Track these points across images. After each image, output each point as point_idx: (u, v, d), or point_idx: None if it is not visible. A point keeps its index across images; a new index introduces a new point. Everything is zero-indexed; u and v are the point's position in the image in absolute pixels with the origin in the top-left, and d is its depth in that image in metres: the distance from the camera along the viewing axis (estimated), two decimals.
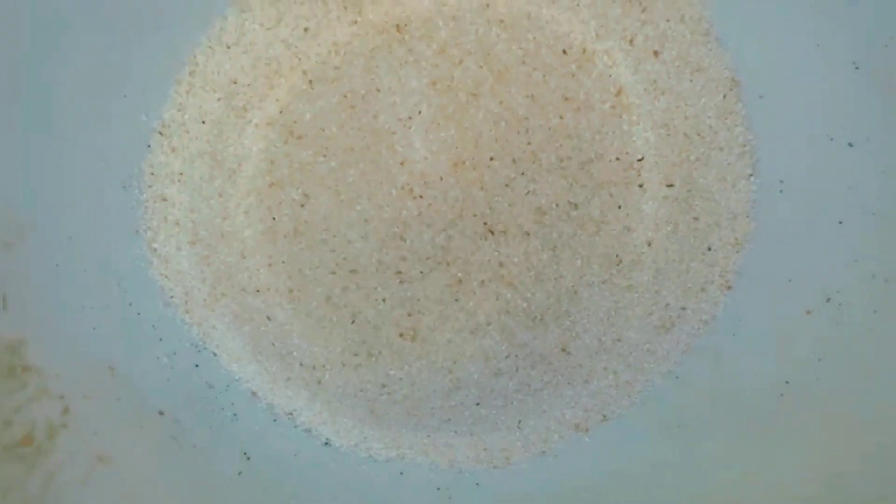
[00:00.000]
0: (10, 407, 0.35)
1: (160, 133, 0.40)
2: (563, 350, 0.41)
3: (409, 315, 0.41)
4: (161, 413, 0.40)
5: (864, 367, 0.38)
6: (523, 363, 0.41)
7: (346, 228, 0.40)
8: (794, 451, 0.39)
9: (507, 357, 0.41)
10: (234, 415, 0.42)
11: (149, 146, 0.40)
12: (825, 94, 0.38)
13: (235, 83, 0.40)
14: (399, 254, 0.40)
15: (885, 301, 0.37)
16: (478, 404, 0.42)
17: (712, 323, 0.42)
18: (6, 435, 0.35)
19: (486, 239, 0.40)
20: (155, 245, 0.41)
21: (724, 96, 0.40)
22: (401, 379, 0.41)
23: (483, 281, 0.41)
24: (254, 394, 0.42)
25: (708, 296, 0.41)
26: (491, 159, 0.40)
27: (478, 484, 0.42)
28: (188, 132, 0.40)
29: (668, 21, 0.39)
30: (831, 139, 0.38)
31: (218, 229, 0.41)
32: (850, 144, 0.37)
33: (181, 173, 0.40)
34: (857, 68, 0.36)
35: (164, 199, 0.40)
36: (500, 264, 0.41)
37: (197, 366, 0.42)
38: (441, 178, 0.40)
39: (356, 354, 0.41)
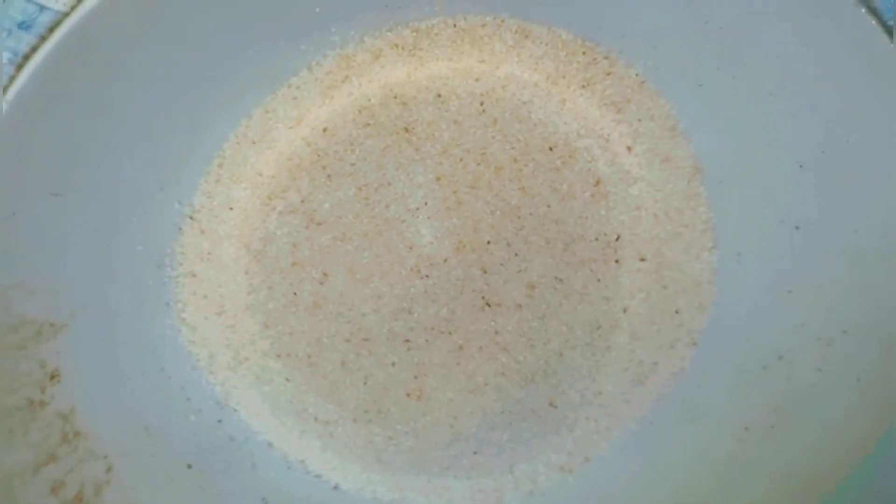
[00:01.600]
0: (65, 468, 0.37)
1: (191, 217, 0.42)
2: (551, 405, 0.44)
3: (416, 377, 0.44)
4: (189, 466, 0.42)
5: (811, 415, 0.40)
6: (516, 417, 0.44)
7: (360, 303, 0.43)
8: (753, 487, 0.41)
9: (501, 413, 0.44)
10: (253, 464, 0.44)
11: (180, 229, 0.43)
12: (775, 184, 0.40)
13: (261, 175, 0.43)
14: (407, 325, 0.43)
15: (826, 360, 0.40)
16: (475, 453, 0.44)
17: (681, 375, 0.44)
18: (61, 494, 0.37)
19: (483, 311, 0.44)
20: (184, 315, 0.43)
21: (689, 182, 0.43)
22: (407, 433, 0.44)
23: (481, 347, 0.44)
24: (270, 444, 0.45)
25: (676, 352, 0.44)
26: (488, 243, 0.43)
27: None
28: (216, 216, 0.43)
29: (639, 120, 0.43)
30: (781, 221, 0.41)
31: (243, 302, 0.44)
32: (797, 227, 0.40)
33: (209, 253, 0.43)
34: (801, 167, 0.39)
35: (194, 275, 0.43)
36: (496, 332, 0.44)
37: (220, 421, 0.44)
38: (445, 260, 0.43)
39: (367, 412, 0.44)
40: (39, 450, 0.37)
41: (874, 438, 0.39)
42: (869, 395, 0.39)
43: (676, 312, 0.44)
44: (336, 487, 0.45)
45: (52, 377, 0.38)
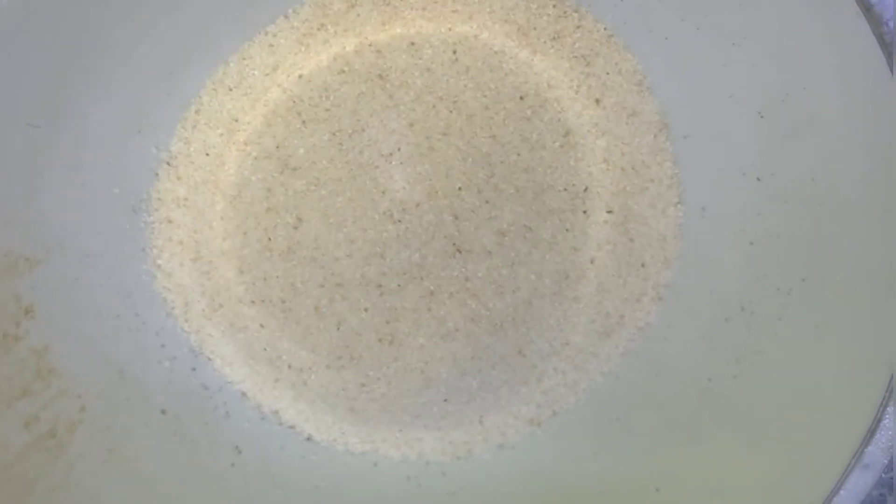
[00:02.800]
0: (38, 404, 0.38)
1: (168, 163, 0.43)
2: (520, 353, 0.45)
3: (388, 322, 0.45)
4: (163, 412, 0.43)
5: (771, 365, 0.41)
6: (486, 364, 0.45)
7: (333, 248, 0.44)
8: (715, 436, 0.42)
9: (472, 359, 0.45)
10: (227, 413, 0.45)
11: (157, 175, 0.43)
12: (738, 136, 0.41)
13: (236, 121, 0.43)
14: (380, 270, 0.44)
15: (786, 310, 0.41)
16: (445, 401, 0.45)
17: (646, 329, 0.45)
18: (34, 428, 0.37)
19: (454, 257, 0.45)
20: (160, 261, 0.44)
21: (655, 136, 0.44)
22: (378, 379, 0.45)
23: (452, 293, 0.45)
24: (244, 394, 0.45)
25: (642, 306, 0.45)
26: (459, 189, 0.44)
27: (443, 473, 0.45)
28: (193, 163, 0.43)
29: (607, 74, 0.44)
30: (743, 174, 0.42)
31: (218, 248, 0.44)
32: (758, 178, 0.41)
33: (185, 199, 0.44)
34: (761, 117, 0.40)
35: (170, 221, 0.44)
36: (467, 279, 0.45)
37: (194, 369, 0.45)
38: (417, 205, 0.44)
39: (340, 357, 0.45)
40: (13, 383, 0.37)
41: (831, 384, 0.40)
42: (826, 342, 0.40)
43: (642, 266, 0.45)
44: (309, 438, 0.46)
45: (26, 312, 0.38)
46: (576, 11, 0.43)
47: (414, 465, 0.46)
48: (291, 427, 0.46)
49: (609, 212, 0.45)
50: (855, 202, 0.38)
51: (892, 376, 0.36)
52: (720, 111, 0.42)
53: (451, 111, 0.44)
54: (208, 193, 0.44)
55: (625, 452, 0.44)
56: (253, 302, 0.45)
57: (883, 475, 0.37)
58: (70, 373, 0.40)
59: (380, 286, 0.45)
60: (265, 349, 0.45)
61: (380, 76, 0.44)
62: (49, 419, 0.38)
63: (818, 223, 0.40)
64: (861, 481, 0.36)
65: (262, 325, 0.45)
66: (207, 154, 0.44)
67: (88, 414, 0.40)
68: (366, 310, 0.45)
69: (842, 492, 0.37)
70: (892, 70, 0.33)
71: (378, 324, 0.45)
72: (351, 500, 0.45)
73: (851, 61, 0.36)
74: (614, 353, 0.46)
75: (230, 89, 0.43)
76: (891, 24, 0.32)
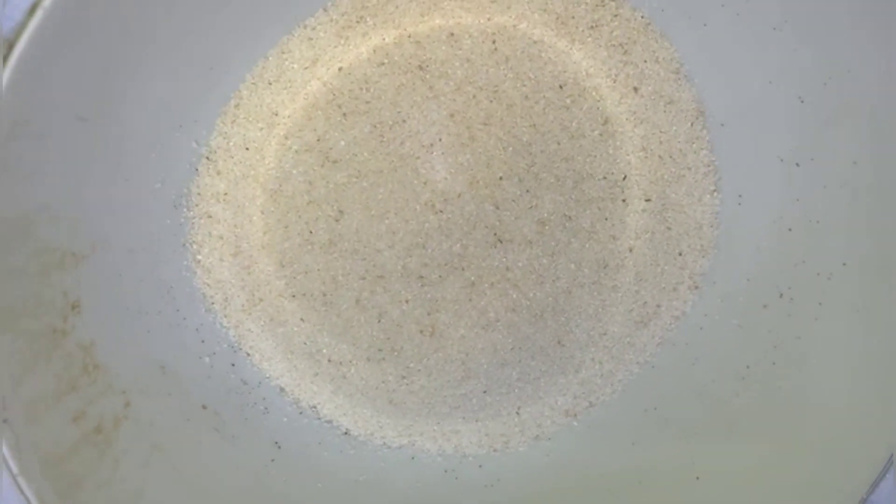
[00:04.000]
0: (86, 399, 0.38)
1: (207, 158, 0.43)
2: (559, 343, 0.46)
3: (429, 314, 0.45)
4: (204, 407, 0.43)
5: (811, 350, 0.41)
6: (525, 354, 0.46)
7: (375, 239, 0.44)
8: (753, 424, 0.42)
9: (512, 349, 0.45)
10: (266, 408, 0.45)
11: (196, 170, 0.43)
12: (776, 122, 0.42)
13: (276, 115, 0.44)
14: (421, 261, 0.45)
15: (826, 295, 0.41)
16: (485, 392, 0.46)
17: (682, 318, 0.45)
18: (82, 424, 0.38)
19: (495, 247, 0.45)
20: (199, 257, 0.44)
21: (692, 124, 0.44)
22: (419, 371, 0.45)
23: (493, 283, 0.45)
24: (282, 389, 0.46)
25: (679, 294, 0.45)
26: (500, 179, 0.45)
27: (480, 466, 0.46)
28: (232, 157, 0.44)
29: (645, 62, 0.44)
30: (781, 160, 0.42)
31: (258, 242, 0.45)
32: (797, 164, 0.41)
33: (225, 193, 0.44)
34: (801, 101, 0.40)
35: (210, 217, 0.44)
36: (507, 269, 0.45)
37: (233, 364, 0.45)
38: (458, 196, 0.44)
39: (380, 350, 0.45)
40: (61, 378, 0.38)
41: (873, 370, 0.40)
42: (867, 326, 0.41)
43: (680, 255, 0.46)
44: (347, 433, 0.46)
45: (73, 307, 0.38)
46: (613, 0, 0.43)
47: (451, 458, 0.46)
48: (329, 422, 0.46)
49: (647, 200, 0.45)
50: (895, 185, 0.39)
51: None
52: (759, 98, 0.42)
53: (491, 101, 0.44)
54: (248, 188, 0.44)
55: (662, 442, 0.44)
56: (293, 296, 0.45)
57: None
58: (114, 368, 0.40)
59: (421, 277, 0.45)
60: (305, 343, 0.45)
61: (420, 67, 0.44)
62: (95, 415, 0.39)
63: (858, 207, 0.41)
64: None
65: (302, 319, 0.45)
66: (247, 148, 0.44)
67: (132, 409, 0.40)
68: (407, 301, 0.45)
69: (885, 481, 0.37)
70: None
71: (419, 315, 0.45)
72: (389, 493, 0.45)
73: (894, 43, 0.36)
74: (651, 343, 0.46)
75: (270, 83, 0.43)
76: None
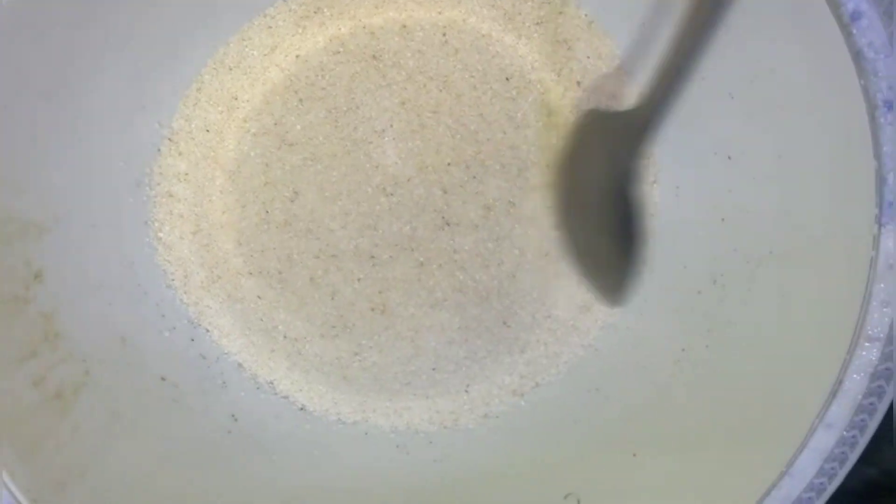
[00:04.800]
0: (46, 365, 0.39)
1: (169, 139, 0.45)
2: (504, 323, 0.47)
3: (380, 292, 0.47)
4: (163, 379, 0.45)
5: (742, 333, 0.43)
6: (472, 334, 0.47)
7: (328, 220, 0.46)
8: (689, 402, 0.44)
9: (459, 328, 0.47)
10: (224, 382, 0.47)
11: (159, 150, 0.45)
12: (709, 117, 0.43)
13: (236, 99, 0.45)
14: (372, 241, 0.46)
15: (756, 281, 0.43)
16: (433, 369, 0.47)
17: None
18: (42, 388, 0.39)
19: (443, 230, 0.47)
20: (161, 234, 0.45)
21: None
22: (371, 347, 0.47)
23: (440, 264, 0.47)
24: (240, 365, 0.47)
25: None
26: (448, 165, 0.46)
27: (431, 442, 0.47)
28: (194, 139, 0.45)
29: (588, 58, 0.46)
30: (715, 153, 0.44)
31: (217, 221, 0.46)
32: (729, 157, 0.43)
33: (186, 174, 0.46)
34: (731, 98, 0.42)
35: (171, 196, 0.45)
36: (455, 251, 0.47)
37: (192, 339, 0.47)
38: (408, 180, 0.46)
39: (333, 326, 0.47)
40: (22, 344, 0.39)
41: (796, 349, 0.42)
42: (791, 310, 0.42)
43: None
44: (302, 408, 0.48)
45: (35, 276, 0.40)
46: None
47: (402, 434, 0.48)
48: (286, 397, 0.48)
49: None
50: (818, 178, 0.40)
51: (852, 339, 0.38)
52: (693, 93, 0.44)
53: (440, 90, 0.46)
54: (208, 168, 0.46)
55: (603, 420, 0.46)
56: (251, 273, 0.47)
57: (845, 433, 0.39)
58: (75, 337, 0.41)
59: (372, 257, 0.47)
60: (261, 320, 0.47)
61: (373, 57, 0.46)
62: (56, 380, 0.40)
63: (783, 198, 0.43)
64: (824, 440, 0.38)
65: (258, 297, 0.47)
66: (208, 130, 0.46)
67: (92, 377, 0.42)
68: (359, 280, 0.47)
69: (806, 450, 0.38)
70: (850, 52, 0.36)
71: (371, 294, 0.47)
72: (342, 468, 0.47)
73: (815, 44, 0.38)
74: (594, 327, 0.48)
75: (230, 69, 0.45)
76: (849, 5, 0.34)
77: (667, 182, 0.47)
